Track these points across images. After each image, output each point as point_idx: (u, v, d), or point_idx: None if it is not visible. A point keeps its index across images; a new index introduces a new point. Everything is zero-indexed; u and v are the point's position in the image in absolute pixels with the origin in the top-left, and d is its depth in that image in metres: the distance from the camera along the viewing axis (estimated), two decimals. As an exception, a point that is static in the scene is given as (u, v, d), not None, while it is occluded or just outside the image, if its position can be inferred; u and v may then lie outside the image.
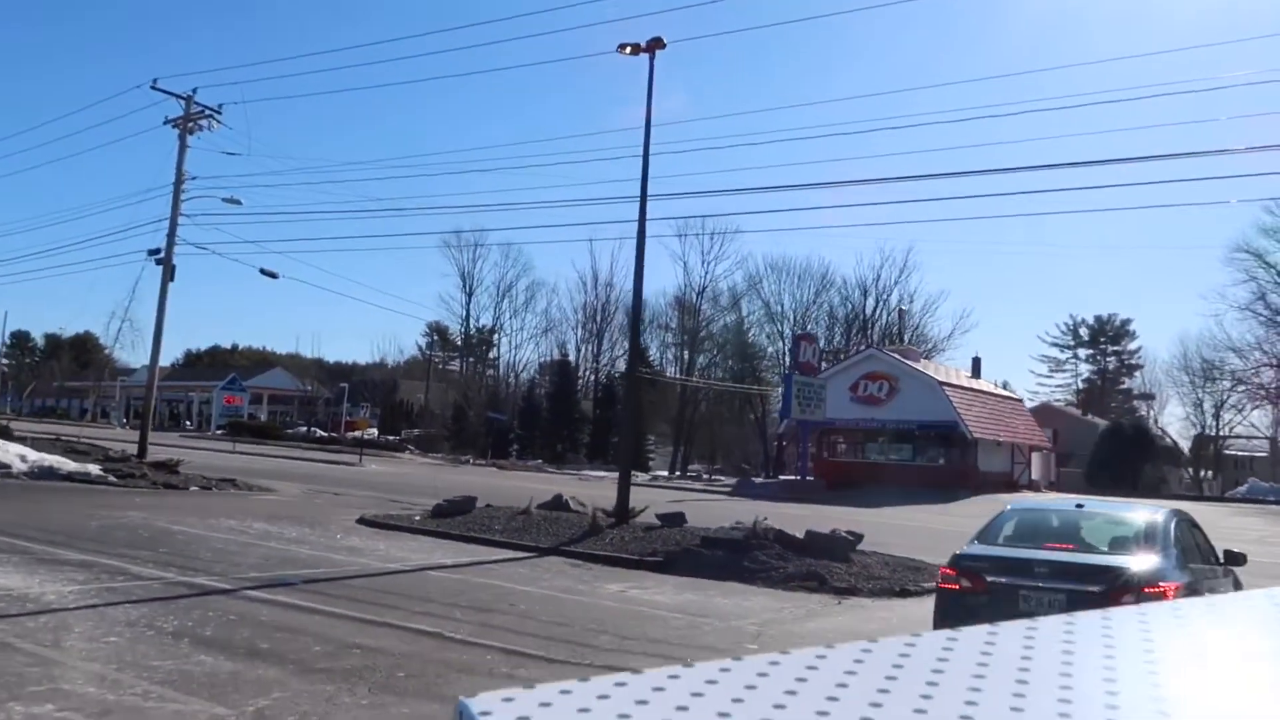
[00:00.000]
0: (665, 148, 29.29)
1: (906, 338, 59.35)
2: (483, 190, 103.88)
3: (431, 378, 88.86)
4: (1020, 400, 53.70)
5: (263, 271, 31.39)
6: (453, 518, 17.46)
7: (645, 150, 17.15)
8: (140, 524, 15.26)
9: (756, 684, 0.66)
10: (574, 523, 16.69)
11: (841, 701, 0.65)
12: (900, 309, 61.78)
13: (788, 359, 70.73)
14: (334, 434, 68.57)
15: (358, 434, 69.08)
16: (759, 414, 73.73)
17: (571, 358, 76.76)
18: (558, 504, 18.75)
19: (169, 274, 28.94)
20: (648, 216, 17.81)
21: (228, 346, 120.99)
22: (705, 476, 55.25)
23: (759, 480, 42.96)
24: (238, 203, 29.84)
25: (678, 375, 72.17)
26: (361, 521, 17.87)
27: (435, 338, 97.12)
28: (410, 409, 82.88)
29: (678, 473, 64.85)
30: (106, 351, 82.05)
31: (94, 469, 23.83)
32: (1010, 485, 44.07)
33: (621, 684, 0.66)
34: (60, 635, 7.54)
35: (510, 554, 14.58)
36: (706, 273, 72.73)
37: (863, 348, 56.84)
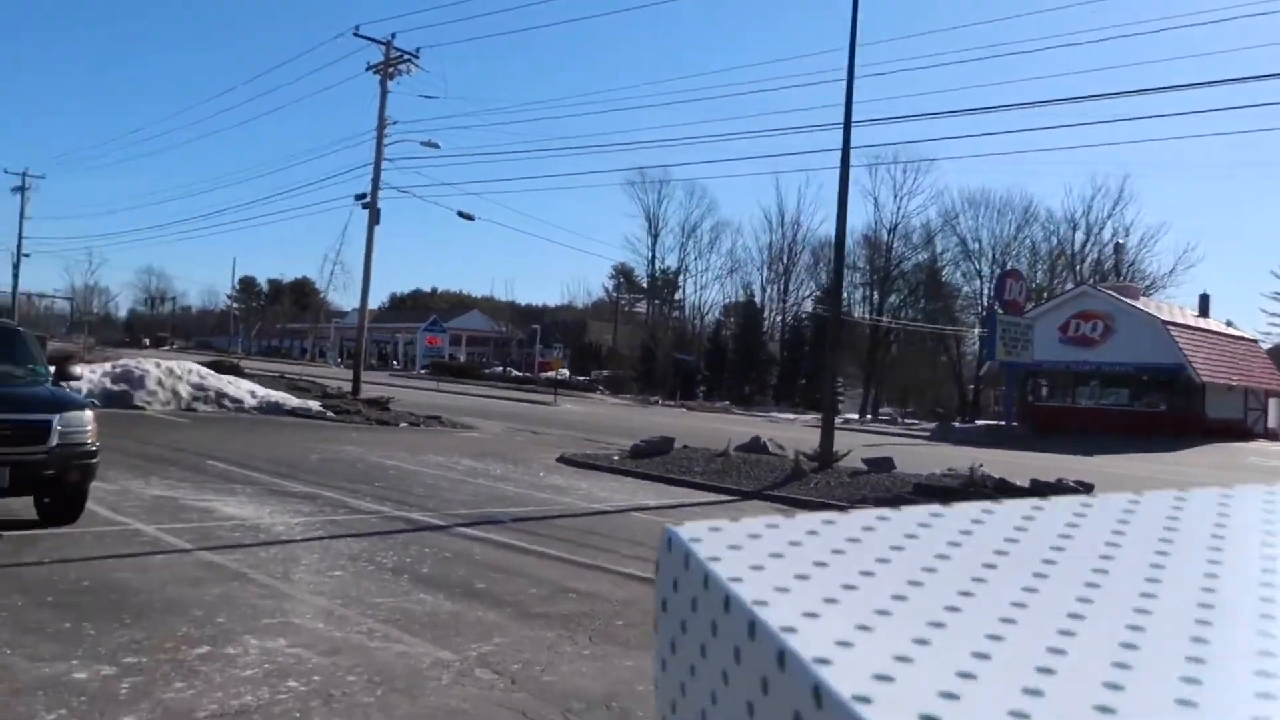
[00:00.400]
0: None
1: (1123, 274, 54.86)
2: (667, 124, 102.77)
3: (619, 319, 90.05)
4: (1255, 341, 48.60)
5: (460, 214, 32.15)
6: (651, 458, 17.25)
7: (850, 63, 16.04)
8: (356, 458, 15.83)
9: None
10: (775, 466, 16.11)
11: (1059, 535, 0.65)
12: (1117, 243, 57.09)
13: (987, 298, 67.10)
14: (528, 374, 70.72)
15: (550, 374, 70.95)
16: (953, 356, 70.56)
17: (757, 298, 75.78)
18: (756, 446, 18.21)
19: (374, 218, 30.03)
20: (845, 146, 16.71)
21: (428, 290, 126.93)
22: (899, 420, 53.38)
23: (959, 425, 40.94)
24: (435, 146, 30.52)
25: (867, 315, 69.88)
26: (562, 460, 17.96)
27: (621, 280, 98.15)
28: (599, 350, 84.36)
29: (868, 416, 63.09)
30: (321, 295, 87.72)
31: (314, 405, 25.18)
32: (1244, 434, 40.15)
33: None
34: (289, 567, 7.66)
35: (712, 497, 14.19)
36: (899, 208, 69.69)
37: (1070, 285, 52.95)
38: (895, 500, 13.06)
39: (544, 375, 66.88)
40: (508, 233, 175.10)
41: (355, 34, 30.02)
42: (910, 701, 0.43)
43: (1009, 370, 37.87)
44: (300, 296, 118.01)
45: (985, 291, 68.18)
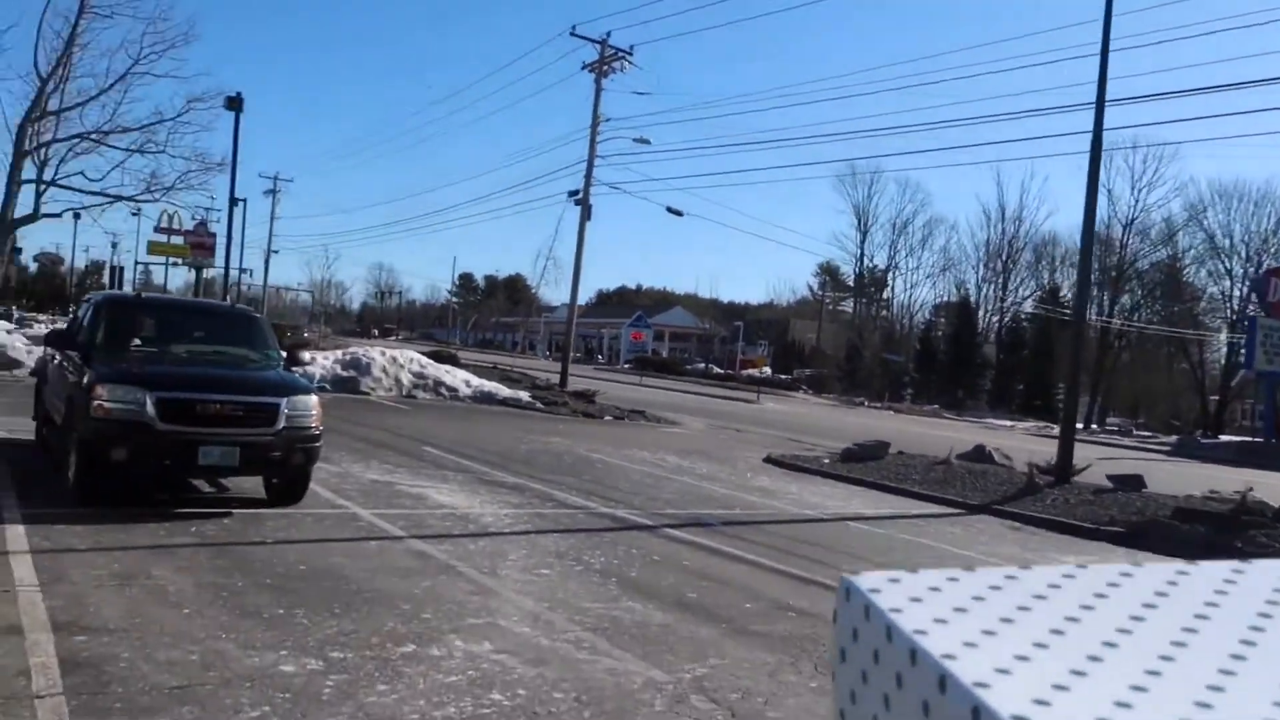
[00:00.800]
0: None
1: None
2: (879, 113, 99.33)
3: (823, 318, 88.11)
4: None
5: (669, 209, 32.00)
6: (864, 463, 16.28)
7: (1105, 32, 14.41)
8: (564, 450, 15.79)
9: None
10: (1002, 478, 14.77)
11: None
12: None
13: (1239, 299, 60.70)
14: (729, 371, 70.30)
15: (752, 372, 70.27)
16: (1194, 363, 64.33)
17: (971, 298, 71.96)
18: (979, 455, 16.86)
19: (586, 214, 30.36)
20: (1097, 127, 15.03)
21: (633, 287, 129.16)
22: (1129, 432, 49.13)
23: (1204, 439, 37.02)
24: (646, 142, 30.53)
25: (1095, 318, 64.83)
26: (769, 461, 17.29)
27: (826, 278, 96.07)
28: (802, 349, 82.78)
29: (1094, 425, 58.50)
30: (533, 290, 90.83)
31: (524, 395, 25.67)
32: None
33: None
34: (496, 562, 7.43)
35: (934, 509, 13.11)
36: (1136, 201, 64.21)
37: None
38: (1151, 524, 11.57)
39: (745, 373, 66.26)
40: (713, 229, 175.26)
41: (572, 34, 30.46)
42: None
43: (1268, 381, 33.79)
44: (513, 292, 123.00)
45: (1236, 292, 61.79)
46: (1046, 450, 23.80)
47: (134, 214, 25.32)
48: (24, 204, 23.72)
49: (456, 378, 25.92)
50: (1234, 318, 61.62)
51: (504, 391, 25.83)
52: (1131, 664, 0.51)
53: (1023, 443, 28.15)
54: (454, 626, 5.66)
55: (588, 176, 30.13)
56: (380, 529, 8.30)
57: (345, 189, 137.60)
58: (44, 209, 24.02)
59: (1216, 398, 61.72)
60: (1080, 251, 15.51)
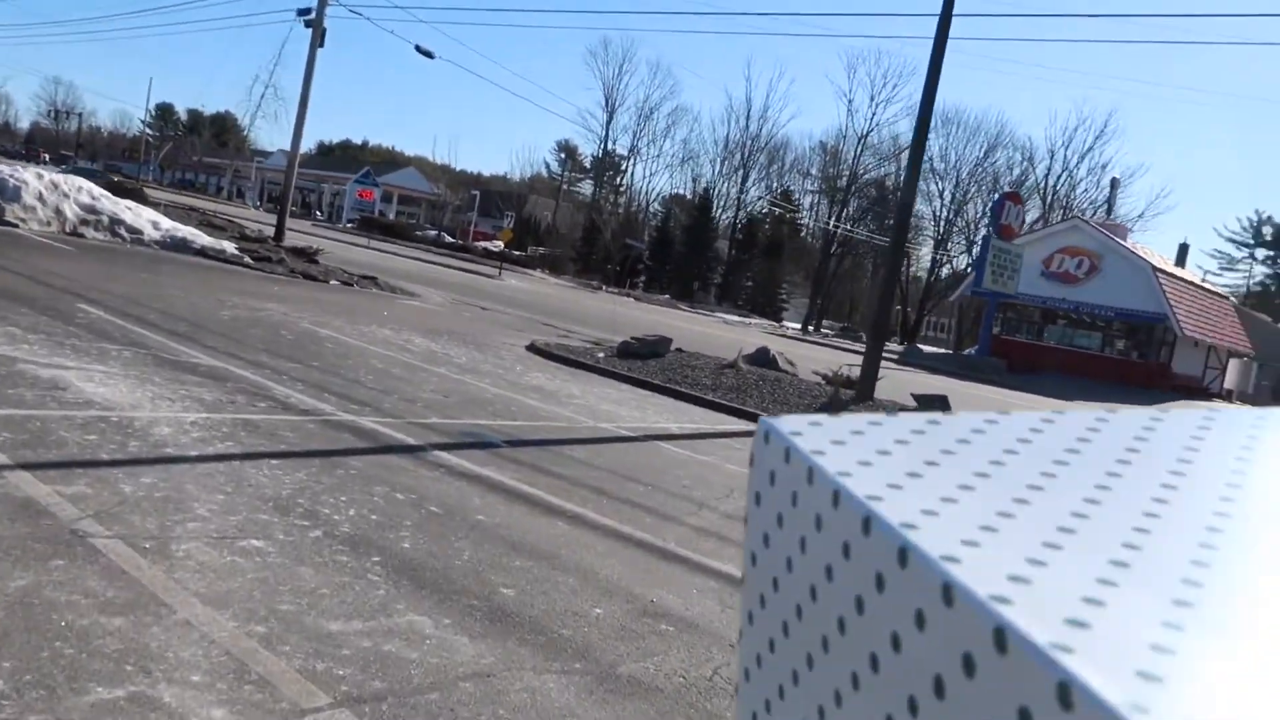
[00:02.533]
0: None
1: (1109, 213, 52.81)
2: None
3: (560, 198, 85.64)
4: (1228, 299, 47.28)
5: (418, 49, 27.71)
6: (644, 360, 14.11)
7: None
8: (281, 321, 12.30)
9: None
10: (800, 388, 13.14)
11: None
12: (1114, 178, 54.83)
13: (944, 222, 64.76)
14: (462, 242, 66.37)
15: (488, 245, 66.80)
16: (904, 277, 68.53)
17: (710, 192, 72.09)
18: (764, 360, 15.20)
19: (319, 38, 25.50)
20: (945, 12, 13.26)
21: (358, 142, 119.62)
22: (861, 336, 51.23)
23: (926, 350, 38.69)
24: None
25: (815, 224, 67.09)
26: (533, 350, 14.69)
27: (564, 155, 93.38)
28: (538, 226, 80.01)
29: (811, 327, 60.92)
30: (244, 130, 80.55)
31: (229, 247, 21.21)
32: (1202, 392, 38.90)
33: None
34: (170, 524, 4.35)
35: (741, 424, 11.17)
36: (873, 115, 66.33)
37: (1057, 219, 50.62)
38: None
39: (480, 245, 62.76)
40: (449, 90, 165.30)
41: None
42: (1051, 606, 0.41)
43: (991, 300, 35.48)
44: (220, 131, 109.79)
45: (942, 214, 65.88)
46: (812, 356, 22.96)
47: None
48: None
49: (141, 217, 20.91)
50: (940, 236, 65.87)
51: (203, 239, 21.20)
52: (1058, 507, 0.51)
53: (781, 344, 27.40)
54: (56, 709, 2.68)
55: (324, -8, 25.15)
56: (-38, 447, 4.89)
57: None
58: None
59: (910, 310, 66.18)
60: (912, 145, 13.87)
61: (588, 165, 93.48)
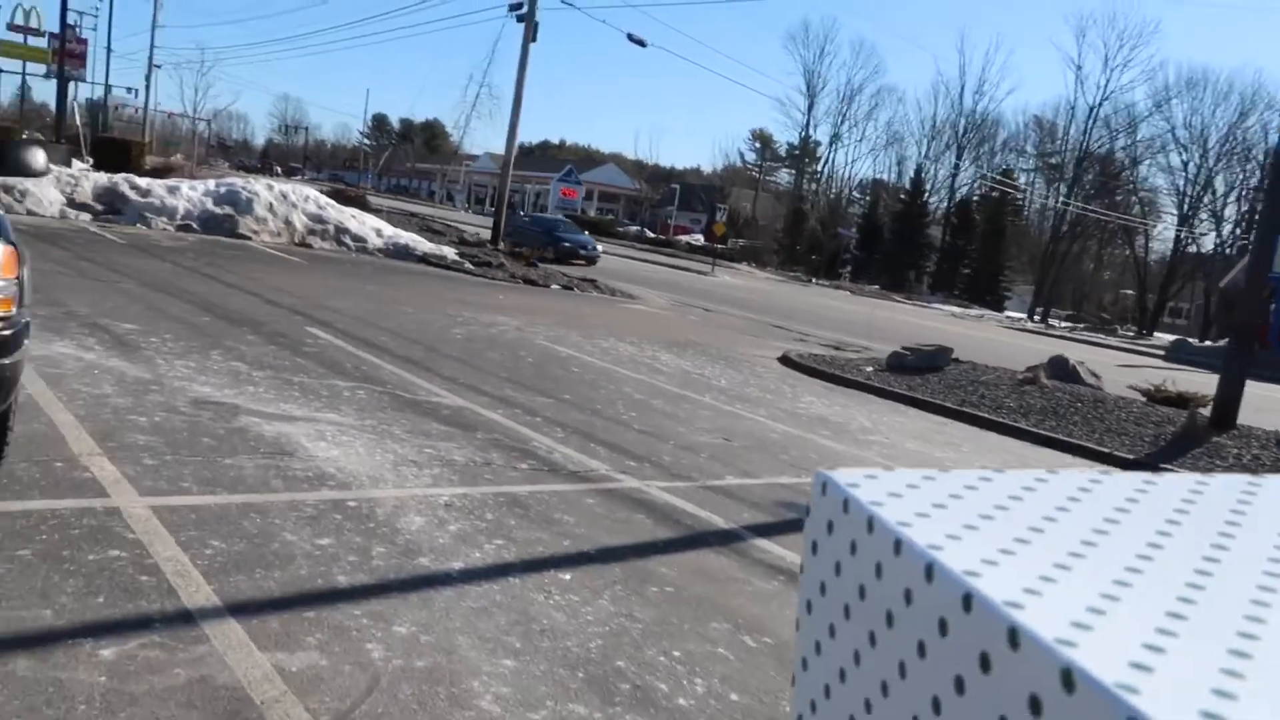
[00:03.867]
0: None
1: None
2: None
3: (759, 187, 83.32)
4: None
5: (630, 38, 26.28)
6: (923, 376, 11.87)
7: None
8: (516, 339, 10.91)
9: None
10: (1129, 412, 10.53)
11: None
12: None
13: (1192, 196, 57.84)
14: (663, 236, 65.32)
15: (687, 239, 65.48)
16: (1139, 258, 61.96)
17: (921, 175, 67.70)
18: (1064, 371, 12.60)
19: (531, 33, 24.50)
20: None
21: (555, 142, 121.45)
22: (1116, 330, 46.33)
23: (1196, 344, 34.00)
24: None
25: (1055, 202, 61.51)
26: (788, 365, 12.75)
27: (760, 145, 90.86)
28: (736, 218, 78.02)
29: (1035, 318, 55.87)
30: (456, 129, 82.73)
31: (449, 253, 20.45)
32: None
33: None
34: (430, 690, 2.68)
35: (1078, 461, 8.80)
36: (1107, 81, 60.12)
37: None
38: None
39: (684, 239, 61.49)
40: (643, 85, 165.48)
41: None
42: (1115, 651, 0.42)
43: (1278, 284, 30.46)
44: (430, 138, 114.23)
45: (1188, 189, 58.92)
46: (1091, 360, 19.98)
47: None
48: None
49: (365, 225, 20.48)
50: (1187, 212, 59.05)
51: (424, 245, 20.54)
52: (1112, 561, 0.52)
53: (1022, 340, 24.30)
54: None
55: (537, -16, 24.10)
56: (155, 557, 3.44)
57: None
58: None
59: (1153, 295, 59.60)
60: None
61: (783, 154, 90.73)
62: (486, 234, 26.05)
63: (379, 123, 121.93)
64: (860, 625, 0.56)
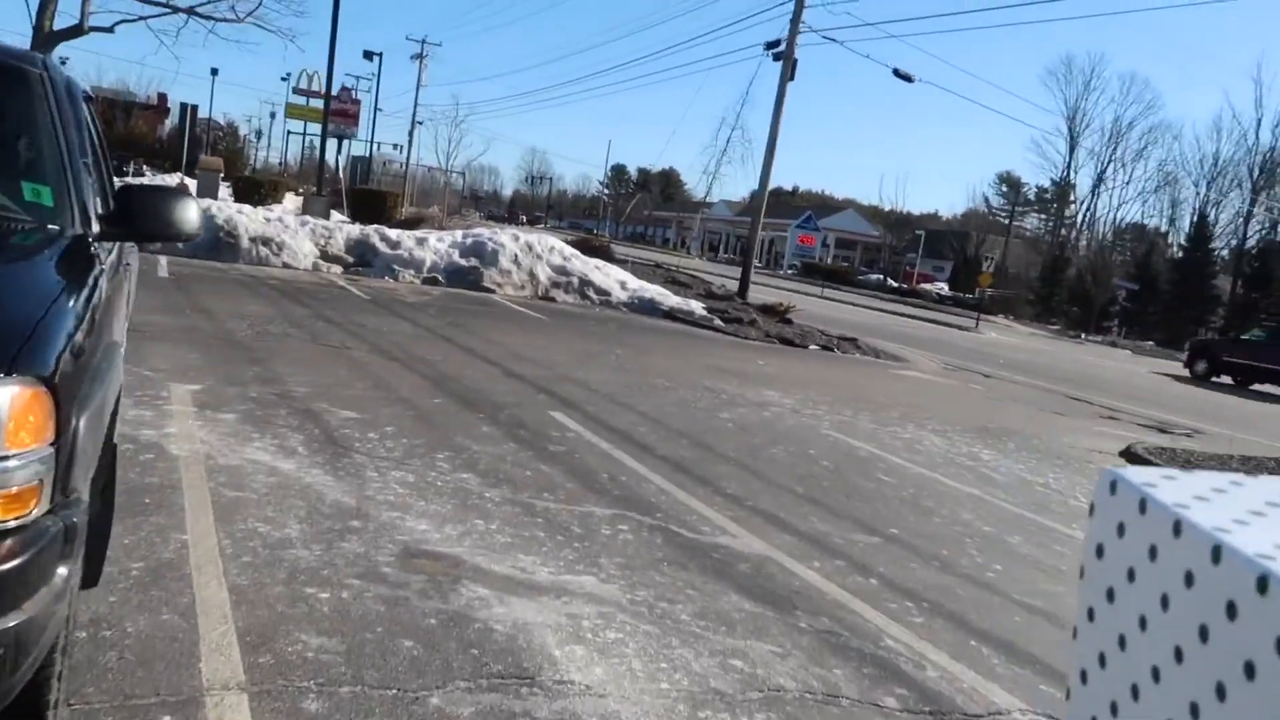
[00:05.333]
0: None
1: None
2: None
3: (1009, 234, 77.45)
4: None
5: (896, 73, 23.81)
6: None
7: None
8: (795, 425, 8.76)
9: None
10: None
11: None
12: None
13: None
14: (906, 285, 61.52)
15: (933, 288, 61.38)
16: None
17: (1203, 220, 60.06)
18: None
19: (789, 71, 22.60)
20: None
21: (789, 188, 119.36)
22: None
23: None
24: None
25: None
26: (1132, 458, 9.87)
27: (1007, 189, 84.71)
28: (978, 265, 72.62)
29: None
30: (687, 184, 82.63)
31: (697, 307, 18.69)
32: None
33: None
34: None
35: None
36: None
37: None
38: None
39: (932, 289, 57.58)
40: (881, 129, 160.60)
41: None
42: None
43: None
44: (666, 186, 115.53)
45: None
46: None
47: (209, 31, 19.11)
48: (67, 12, 17.99)
49: (610, 277, 19.14)
50: None
51: (670, 299, 18.91)
52: None
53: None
54: None
55: (795, 19, 22.22)
56: None
57: (487, 52, 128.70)
58: (91, 20, 18.25)
59: None
60: None
61: (1031, 197, 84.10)
62: (733, 285, 24.24)
63: (618, 172, 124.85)
64: (1162, 637, 0.52)
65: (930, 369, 17.49)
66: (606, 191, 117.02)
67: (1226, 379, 26.13)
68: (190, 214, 3.05)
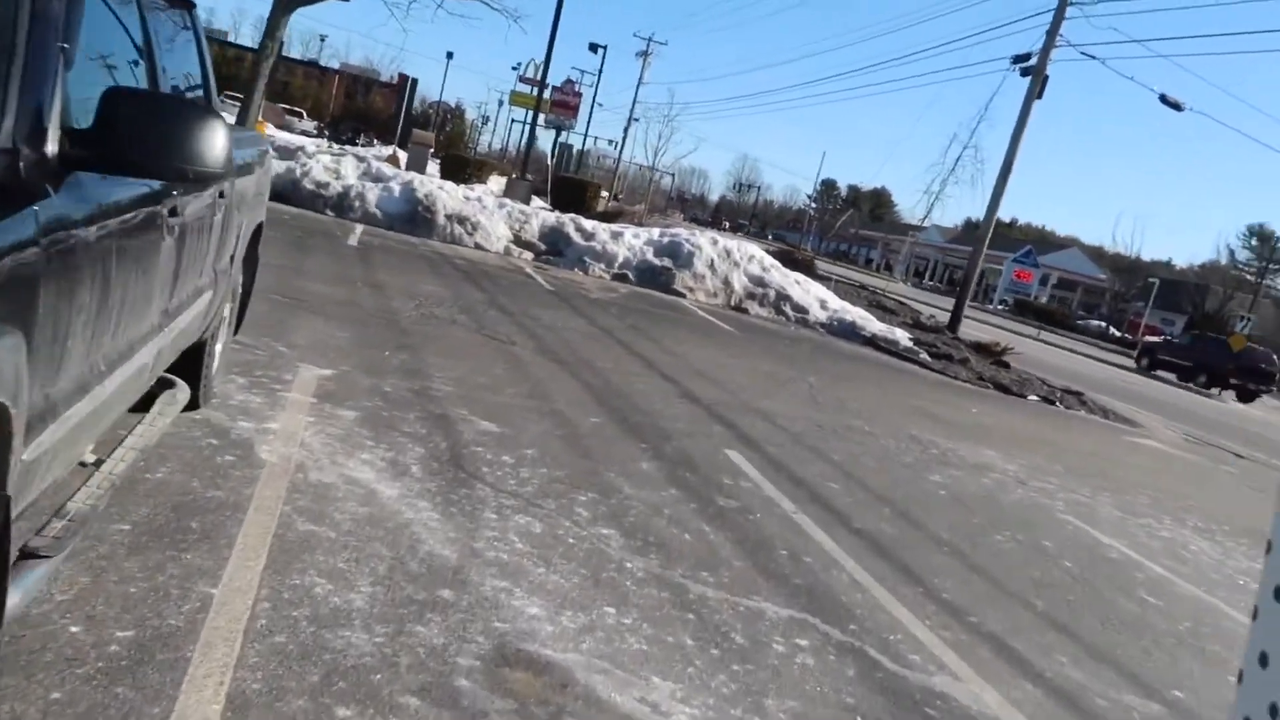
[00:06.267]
0: None
1: None
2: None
3: (1257, 292, 69.54)
4: None
5: (1164, 100, 20.95)
6: None
7: None
8: (1022, 503, 7.08)
9: None
10: None
11: None
12: None
13: None
14: (1130, 336, 56.08)
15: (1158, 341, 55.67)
16: None
17: None
18: None
19: (1038, 88, 20.29)
20: None
21: (1006, 220, 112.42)
22: None
23: None
24: None
25: None
26: None
27: (1259, 242, 76.04)
28: (1218, 321, 65.37)
29: None
30: (897, 206, 78.96)
31: (903, 337, 16.89)
32: None
33: None
34: None
35: None
36: None
37: None
38: None
39: (1150, 339, 52.12)
40: (1122, 163, 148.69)
41: None
42: None
43: None
44: (876, 205, 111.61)
45: None
46: None
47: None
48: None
49: (809, 293, 17.64)
50: None
51: (873, 325, 17.20)
52: None
53: None
54: None
55: (1053, 30, 19.88)
56: None
57: (707, 52, 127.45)
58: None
59: None
60: None
61: (1288, 254, 74.93)
62: (942, 316, 22.14)
63: (827, 187, 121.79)
64: None
65: (1169, 439, 14.98)
66: (814, 205, 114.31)
67: None
68: (213, 144, 1.99)
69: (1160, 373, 33.53)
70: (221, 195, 3.36)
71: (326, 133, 47.03)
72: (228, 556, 3.08)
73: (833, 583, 4.33)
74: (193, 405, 4.18)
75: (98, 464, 2.74)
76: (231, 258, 3.87)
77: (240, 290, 4.55)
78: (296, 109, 50.71)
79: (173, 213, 2.58)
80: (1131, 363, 35.79)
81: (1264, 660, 0.57)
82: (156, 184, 2.38)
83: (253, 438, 4.22)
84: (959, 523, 5.98)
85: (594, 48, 44.50)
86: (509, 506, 4.21)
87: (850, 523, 5.34)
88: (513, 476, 4.63)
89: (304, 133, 38.66)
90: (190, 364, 3.99)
